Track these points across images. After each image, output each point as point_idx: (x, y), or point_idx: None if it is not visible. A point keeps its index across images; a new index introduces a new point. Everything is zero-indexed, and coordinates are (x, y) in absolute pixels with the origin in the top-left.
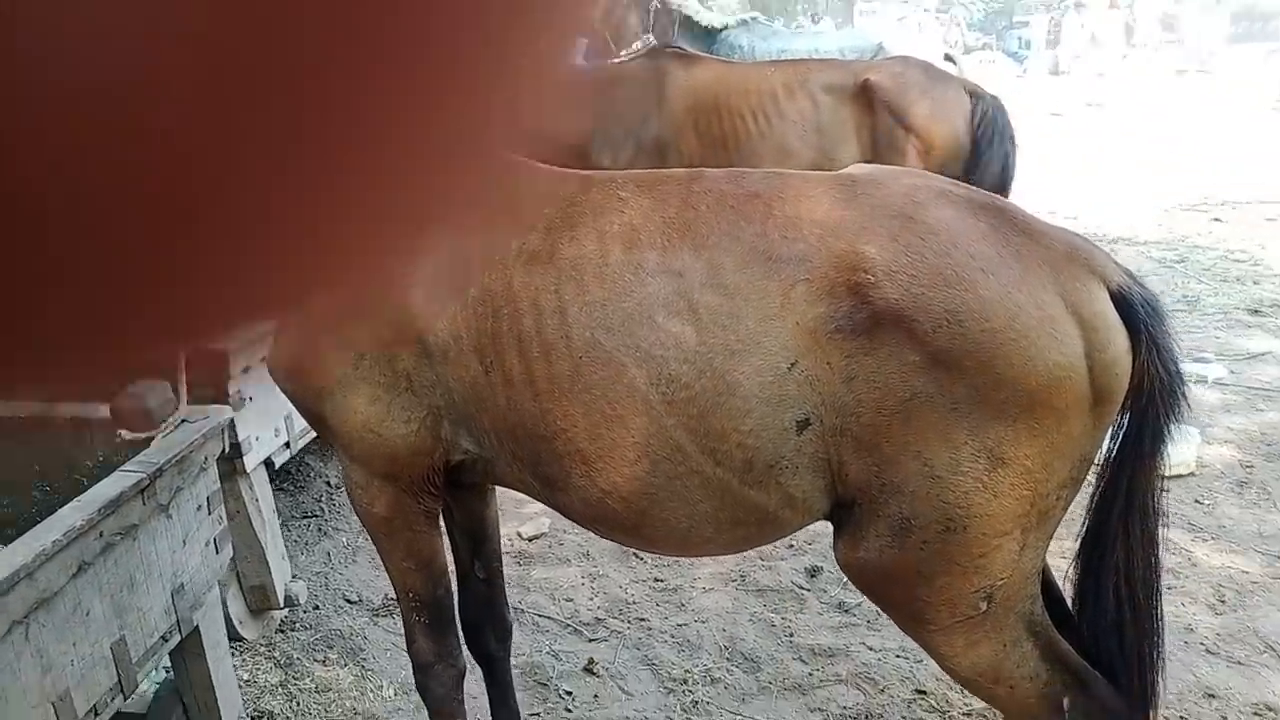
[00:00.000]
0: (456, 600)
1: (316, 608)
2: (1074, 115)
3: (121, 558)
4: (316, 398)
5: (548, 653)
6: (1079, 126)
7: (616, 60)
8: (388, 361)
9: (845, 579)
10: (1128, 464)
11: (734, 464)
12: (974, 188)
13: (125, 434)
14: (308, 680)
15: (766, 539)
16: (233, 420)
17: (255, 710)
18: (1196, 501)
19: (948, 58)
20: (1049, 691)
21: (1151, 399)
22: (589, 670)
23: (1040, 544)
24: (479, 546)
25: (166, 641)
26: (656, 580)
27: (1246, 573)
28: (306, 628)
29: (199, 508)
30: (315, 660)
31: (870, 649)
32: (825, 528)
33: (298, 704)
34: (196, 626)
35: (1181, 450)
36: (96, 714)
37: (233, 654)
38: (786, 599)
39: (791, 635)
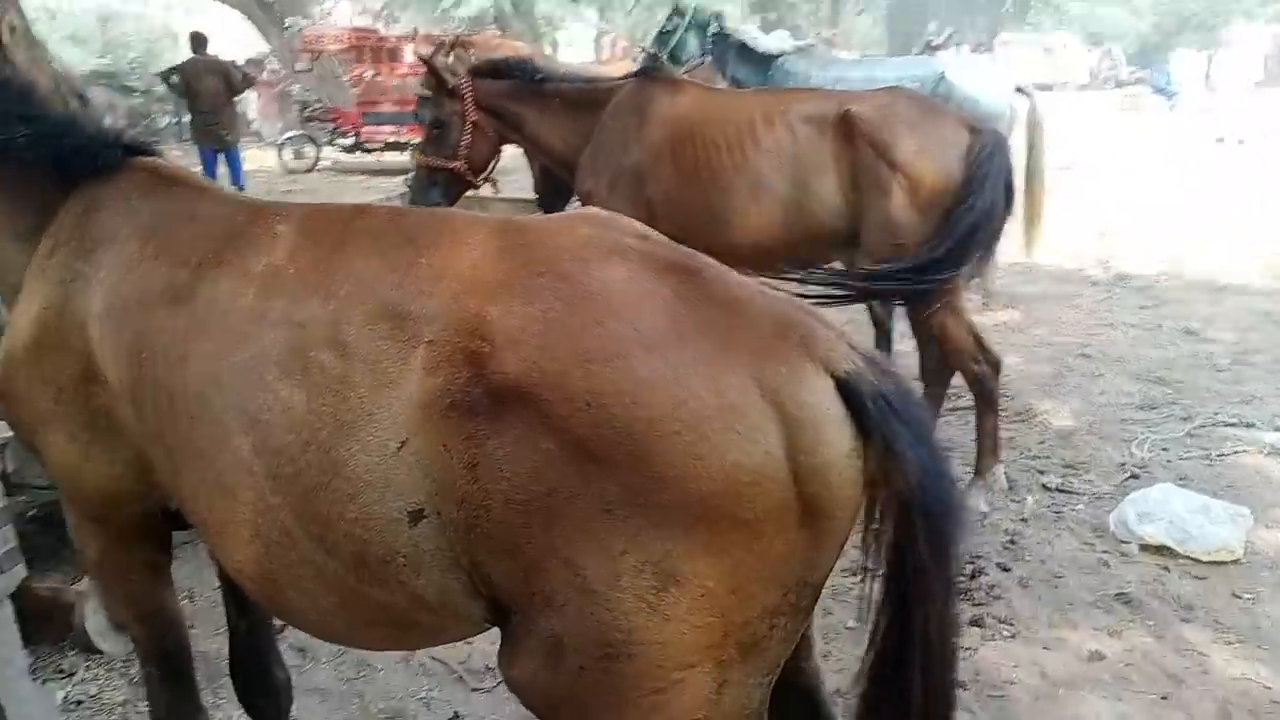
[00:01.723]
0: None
1: (192, 627)
2: (1211, 154)
3: None
4: (26, 430)
5: (419, 699)
6: (1215, 166)
7: (610, 81)
8: (85, 398)
9: None
10: (890, 602)
11: (344, 556)
12: (670, 243)
13: None
14: None
15: (422, 641)
16: None
17: None
18: (1234, 595)
19: (1019, 89)
20: None
21: (900, 520)
22: None
23: (752, 680)
24: (243, 595)
25: None
26: None
27: (1269, 688)
28: None
29: None
30: None
31: None
32: None
33: None
34: None
35: (1226, 533)
36: None
37: (86, 669)
38: None
39: None
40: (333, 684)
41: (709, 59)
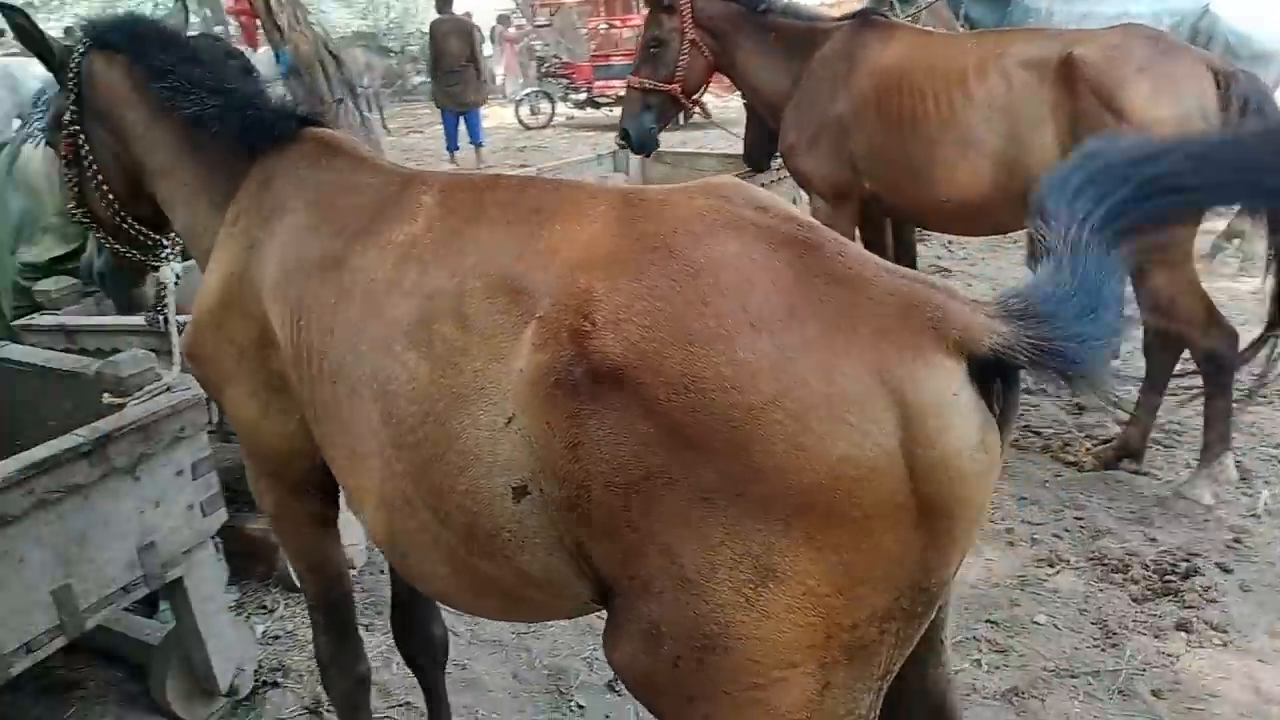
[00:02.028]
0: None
1: (381, 573)
2: None
3: (68, 514)
4: (213, 388)
5: (583, 659)
6: None
7: (829, 23)
8: (263, 359)
9: None
10: None
11: (456, 528)
12: (792, 215)
13: (106, 398)
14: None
15: (535, 615)
16: None
17: (278, 663)
18: None
19: None
20: None
21: None
22: (611, 687)
23: (860, 684)
24: None
25: (128, 593)
26: None
27: None
28: (365, 590)
29: (179, 473)
30: (360, 623)
31: None
32: None
33: None
34: (182, 581)
35: None
36: (30, 650)
37: (285, 606)
38: None
39: None
40: (505, 636)
41: None
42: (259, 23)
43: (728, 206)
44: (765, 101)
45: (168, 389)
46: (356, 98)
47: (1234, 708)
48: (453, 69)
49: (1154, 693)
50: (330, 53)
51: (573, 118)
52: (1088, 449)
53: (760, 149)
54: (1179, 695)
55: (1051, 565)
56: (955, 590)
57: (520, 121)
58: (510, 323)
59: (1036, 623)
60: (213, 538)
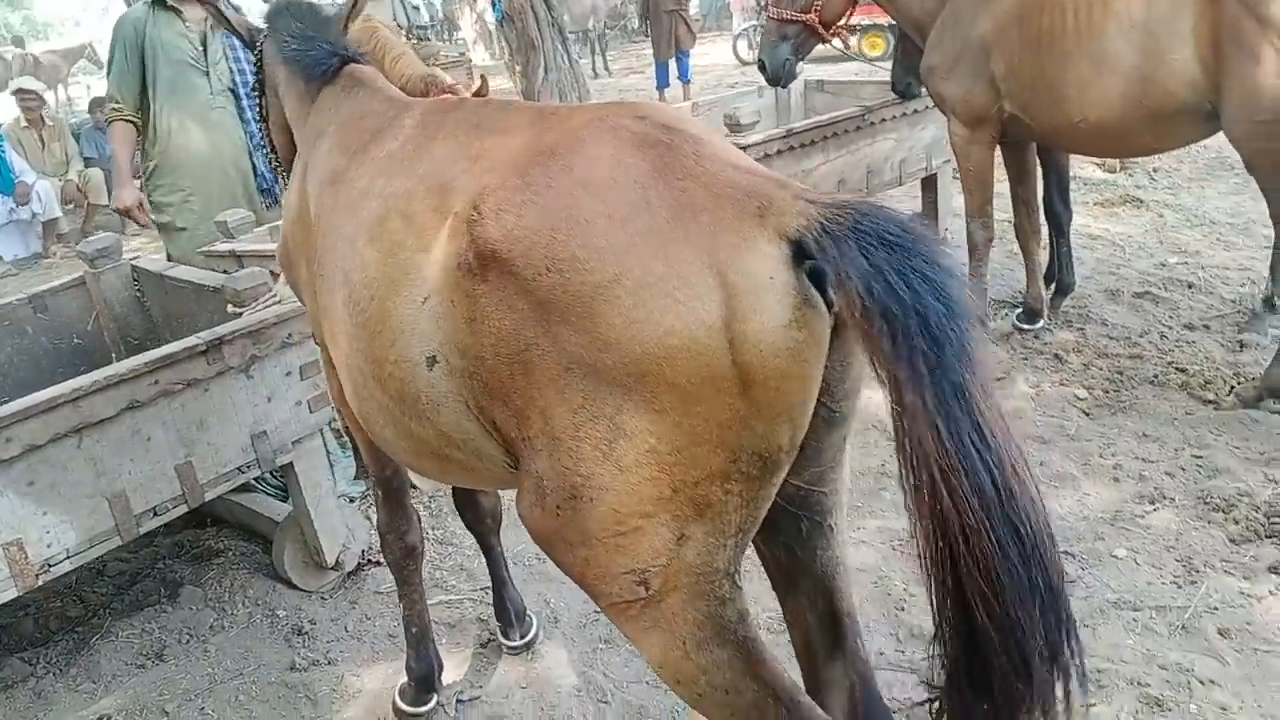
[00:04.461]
0: None
1: None
2: None
3: (189, 402)
4: (296, 292)
5: None
6: None
7: None
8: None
9: None
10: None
11: (392, 393)
12: (667, 124)
13: (229, 308)
14: (441, 532)
15: (467, 477)
16: None
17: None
18: None
19: None
20: (752, 713)
21: (898, 388)
22: None
23: (714, 539)
24: None
25: (243, 472)
26: None
27: None
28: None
29: (287, 374)
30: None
31: None
32: None
33: None
34: (293, 466)
35: None
36: (156, 514)
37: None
38: None
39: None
40: None
41: None
42: None
43: (613, 118)
44: (914, 25)
45: (279, 301)
46: (565, 41)
47: None
48: (665, 10)
49: (1220, 631)
50: None
51: None
52: (1232, 388)
53: (909, 75)
54: (1247, 636)
55: (1152, 502)
56: None
57: (736, 57)
58: (437, 219)
59: (1115, 556)
60: (338, 438)
